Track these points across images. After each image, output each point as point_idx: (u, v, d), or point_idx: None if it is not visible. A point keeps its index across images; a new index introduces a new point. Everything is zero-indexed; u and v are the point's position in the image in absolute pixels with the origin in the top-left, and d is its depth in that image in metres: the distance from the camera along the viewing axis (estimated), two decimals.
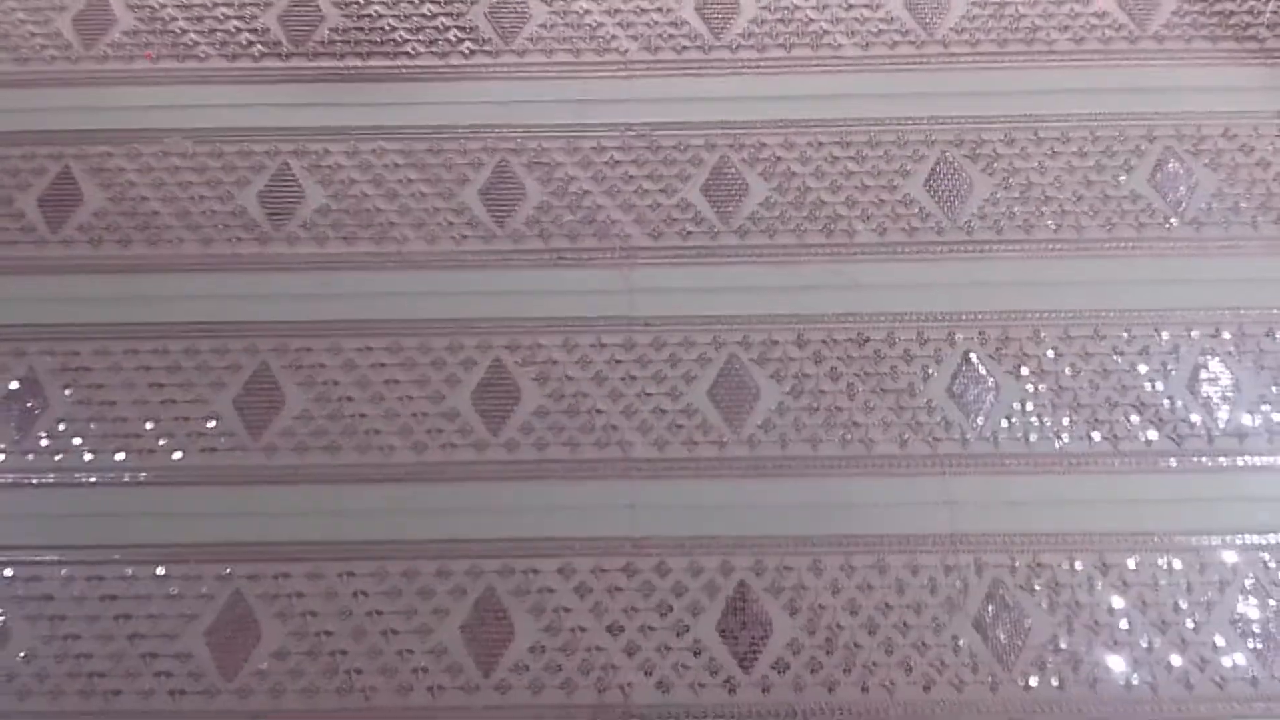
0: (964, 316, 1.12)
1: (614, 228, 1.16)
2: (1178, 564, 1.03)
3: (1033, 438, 1.07)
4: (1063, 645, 1.01)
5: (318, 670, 1.01)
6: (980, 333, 1.11)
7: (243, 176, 1.19)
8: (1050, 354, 1.10)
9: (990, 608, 1.02)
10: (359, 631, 1.02)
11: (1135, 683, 1.00)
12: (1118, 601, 1.02)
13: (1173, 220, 1.15)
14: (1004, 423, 1.08)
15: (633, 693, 1.00)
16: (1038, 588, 1.02)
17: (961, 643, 1.01)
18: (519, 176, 1.18)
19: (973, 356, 1.10)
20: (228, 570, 1.04)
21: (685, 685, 1.00)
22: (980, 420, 1.08)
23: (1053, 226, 1.15)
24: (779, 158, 1.18)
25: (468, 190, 1.18)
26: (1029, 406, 1.09)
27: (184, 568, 1.04)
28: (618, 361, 1.11)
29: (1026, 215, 1.15)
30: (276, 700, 1.00)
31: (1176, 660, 1.00)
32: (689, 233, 1.16)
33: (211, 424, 1.09)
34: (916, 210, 1.16)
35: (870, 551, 1.04)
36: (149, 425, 1.09)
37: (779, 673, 1.00)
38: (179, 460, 1.08)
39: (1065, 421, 1.08)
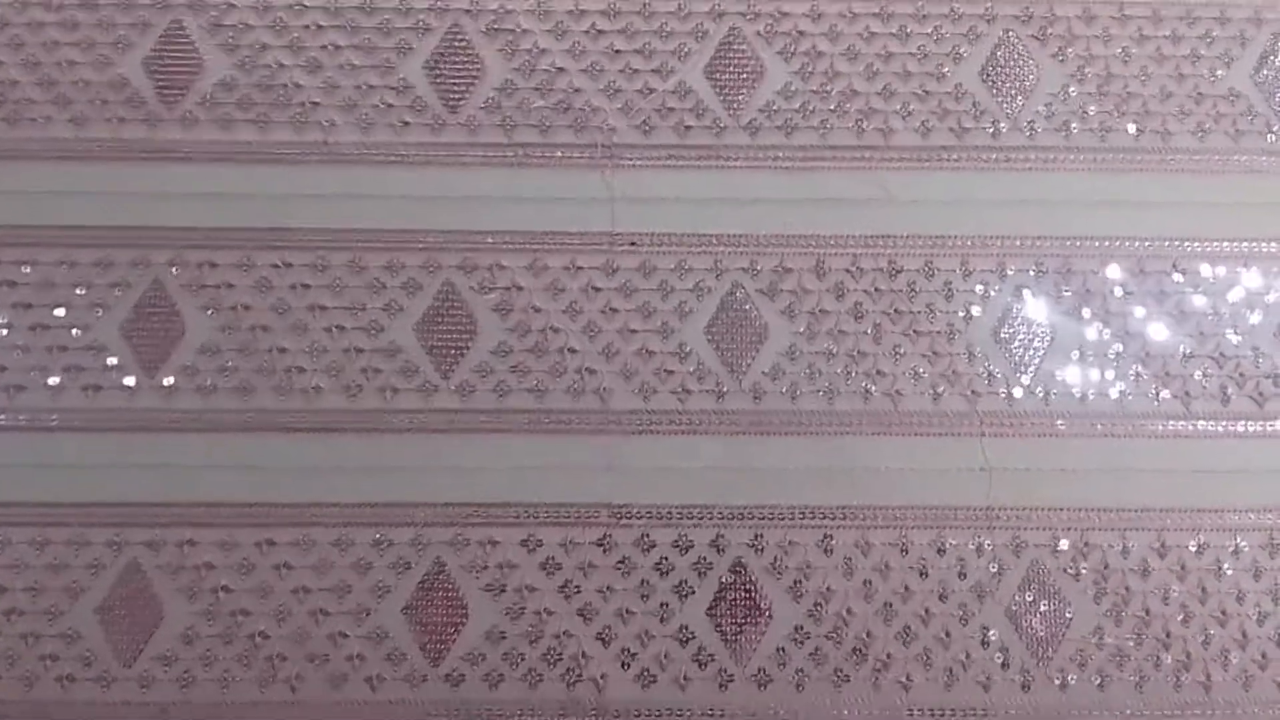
0: (1019, 241, 0.92)
1: (594, 118, 0.93)
2: (1245, 545, 0.89)
3: (1090, 395, 0.90)
4: (1108, 639, 0.87)
5: (233, 657, 0.86)
6: (1038, 264, 0.92)
7: (123, 37, 0.94)
8: (1119, 291, 0.92)
9: (1027, 594, 0.87)
10: (282, 612, 0.86)
11: (1186, 682, 0.87)
12: (1175, 588, 0.88)
13: (1276, 128, 0.94)
14: (1058, 375, 0.90)
15: (608, 687, 0.86)
16: (1084, 572, 0.88)
17: (992, 634, 0.87)
18: (475, 47, 0.94)
19: (1026, 292, 0.91)
20: (120, 536, 0.87)
21: (669, 679, 0.86)
22: (1029, 372, 0.90)
23: (1133, 131, 0.94)
24: (803, 32, 0.95)
25: (410, 63, 0.94)
26: (1089, 356, 0.91)
27: (67, 531, 0.87)
28: (596, 289, 0.91)
29: (1103, 116, 0.94)
30: (185, 691, 0.85)
31: (1235, 657, 0.87)
32: (687, 127, 0.93)
33: (95, 356, 0.89)
34: (969, 106, 0.94)
35: (891, 526, 0.88)
36: (17, 356, 0.89)
37: (779, 666, 0.86)
38: (57, 401, 0.88)
39: (1131, 375, 0.90)
